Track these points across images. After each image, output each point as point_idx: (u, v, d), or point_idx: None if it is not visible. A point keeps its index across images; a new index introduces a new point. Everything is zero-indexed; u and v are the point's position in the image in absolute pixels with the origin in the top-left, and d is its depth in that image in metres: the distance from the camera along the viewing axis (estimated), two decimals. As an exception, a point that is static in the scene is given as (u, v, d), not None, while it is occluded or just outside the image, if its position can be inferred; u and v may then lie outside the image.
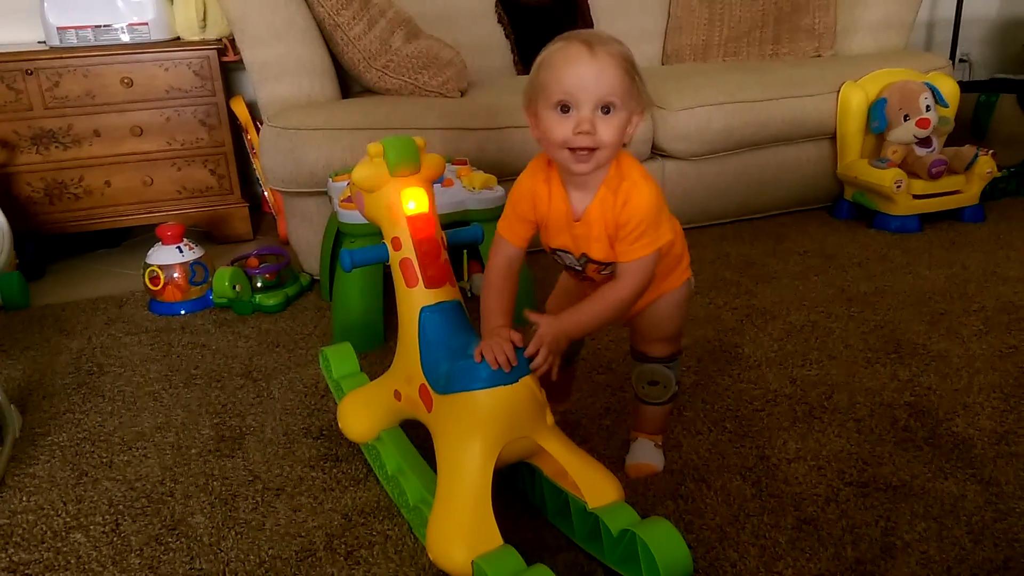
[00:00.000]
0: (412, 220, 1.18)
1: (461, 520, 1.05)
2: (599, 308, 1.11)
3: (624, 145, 1.08)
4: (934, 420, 1.45)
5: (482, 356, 1.06)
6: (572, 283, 1.30)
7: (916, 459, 1.34)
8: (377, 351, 1.79)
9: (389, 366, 1.31)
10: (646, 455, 1.33)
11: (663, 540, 1.02)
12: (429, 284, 1.18)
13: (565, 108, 1.03)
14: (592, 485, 1.12)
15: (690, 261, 1.26)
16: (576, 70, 1.02)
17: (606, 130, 1.03)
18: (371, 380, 1.40)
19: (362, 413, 1.34)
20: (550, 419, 1.13)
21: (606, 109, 1.03)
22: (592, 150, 1.04)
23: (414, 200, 1.19)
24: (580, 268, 1.19)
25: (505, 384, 1.06)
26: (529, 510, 1.25)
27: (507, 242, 1.18)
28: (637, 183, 1.09)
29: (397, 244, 1.21)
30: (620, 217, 1.09)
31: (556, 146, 1.06)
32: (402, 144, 1.18)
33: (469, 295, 1.89)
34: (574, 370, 1.50)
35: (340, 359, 1.49)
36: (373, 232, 1.29)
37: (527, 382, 1.07)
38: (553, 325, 1.09)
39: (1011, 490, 1.26)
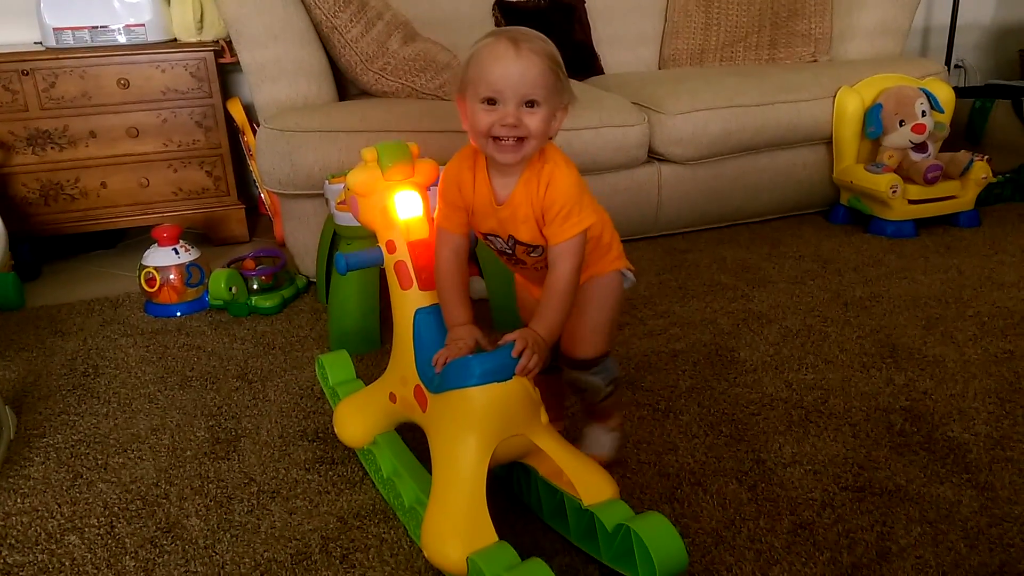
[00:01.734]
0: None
1: (456, 517, 1.05)
2: (555, 301, 1.13)
3: (549, 138, 1.13)
4: (930, 425, 1.46)
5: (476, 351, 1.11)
6: (528, 296, 1.31)
7: (912, 464, 1.34)
8: (374, 355, 1.79)
9: (385, 370, 1.32)
10: (594, 445, 1.34)
11: (657, 534, 1.02)
12: (423, 286, 1.19)
13: (492, 102, 1.07)
14: (587, 483, 1.12)
15: (622, 252, 1.27)
16: (502, 67, 1.05)
17: (531, 121, 1.07)
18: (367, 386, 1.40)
19: (358, 418, 1.34)
20: (544, 417, 1.14)
21: (530, 104, 1.07)
22: (520, 140, 1.08)
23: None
24: (510, 251, 1.21)
25: (499, 381, 1.07)
26: (525, 513, 1.25)
27: (449, 233, 1.20)
28: (559, 165, 1.13)
29: (392, 247, 1.22)
30: (545, 200, 1.12)
31: (481, 136, 1.09)
32: (396, 149, 1.22)
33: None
34: (564, 385, 1.48)
35: (336, 367, 1.49)
36: (369, 234, 1.29)
37: (521, 379, 1.08)
38: (530, 332, 1.10)
39: (1006, 495, 1.26)
